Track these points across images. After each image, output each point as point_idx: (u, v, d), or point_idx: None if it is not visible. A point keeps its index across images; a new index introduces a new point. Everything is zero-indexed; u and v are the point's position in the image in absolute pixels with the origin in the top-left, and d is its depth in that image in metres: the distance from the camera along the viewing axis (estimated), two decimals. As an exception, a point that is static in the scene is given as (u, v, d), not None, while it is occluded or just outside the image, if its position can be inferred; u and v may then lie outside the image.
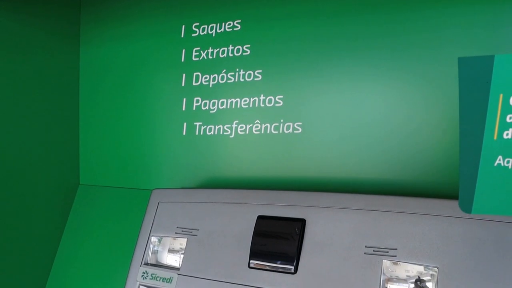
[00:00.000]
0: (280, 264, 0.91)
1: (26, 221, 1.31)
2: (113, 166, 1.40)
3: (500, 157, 0.57)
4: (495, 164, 0.57)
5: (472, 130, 0.58)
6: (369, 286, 0.82)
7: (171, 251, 1.05)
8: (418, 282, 0.80)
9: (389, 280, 0.82)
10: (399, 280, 0.81)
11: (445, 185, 0.97)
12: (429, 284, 0.79)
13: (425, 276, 0.80)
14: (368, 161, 1.04)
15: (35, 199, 1.34)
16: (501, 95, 0.57)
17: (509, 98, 0.56)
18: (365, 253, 0.85)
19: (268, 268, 0.92)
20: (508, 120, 0.56)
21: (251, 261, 0.94)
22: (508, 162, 0.57)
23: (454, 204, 0.81)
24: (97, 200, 1.40)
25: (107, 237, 1.32)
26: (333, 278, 0.86)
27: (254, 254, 0.94)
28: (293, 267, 0.90)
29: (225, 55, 1.23)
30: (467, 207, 0.59)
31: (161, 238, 1.06)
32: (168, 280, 1.01)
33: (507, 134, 0.57)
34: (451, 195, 0.88)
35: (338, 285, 0.85)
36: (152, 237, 1.07)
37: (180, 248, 1.03)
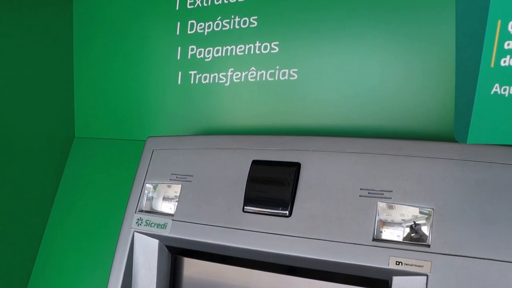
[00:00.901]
0: (275, 207, 0.91)
1: (22, 175, 1.31)
2: (108, 118, 1.40)
3: (497, 85, 0.56)
4: (492, 92, 0.56)
5: (468, 58, 0.57)
6: (364, 228, 0.82)
7: (166, 198, 1.04)
8: (413, 226, 0.80)
9: (384, 223, 0.82)
10: (394, 224, 0.81)
11: (441, 131, 0.96)
12: (424, 228, 0.79)
13: (420, 220, 0.79)
14: (365, 108, 1.03)
15: (31, 153, 1.33)
16: (499, 21, 0.55)
17: (507, 24, 0.54)
18: (360, 196, 0.85)
19: (263, 212, 0.92)
20: (506, 46, 0.55)
21: (245, 206, 0.94)
22: (505, 90, 0.56)
23: (449, 146, 0.81)
24: (92, 153, 1.40)
25: (103, 188, 1.32)
26: (328, 221, 0.85)
27: (249, 198, 0.94)
28: (287, 211, 0.89)
29: (220, 2, 1.21)
30: (462, 137, 0.58)
31: (156, 185, 1.06)
32: (162, 226, 1.00)
33: (505, 62, 0.55)
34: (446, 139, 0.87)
35: (333, 227, 0.84)
36: (147, 184, 1.07)
37: (175, 195, 1.03)
